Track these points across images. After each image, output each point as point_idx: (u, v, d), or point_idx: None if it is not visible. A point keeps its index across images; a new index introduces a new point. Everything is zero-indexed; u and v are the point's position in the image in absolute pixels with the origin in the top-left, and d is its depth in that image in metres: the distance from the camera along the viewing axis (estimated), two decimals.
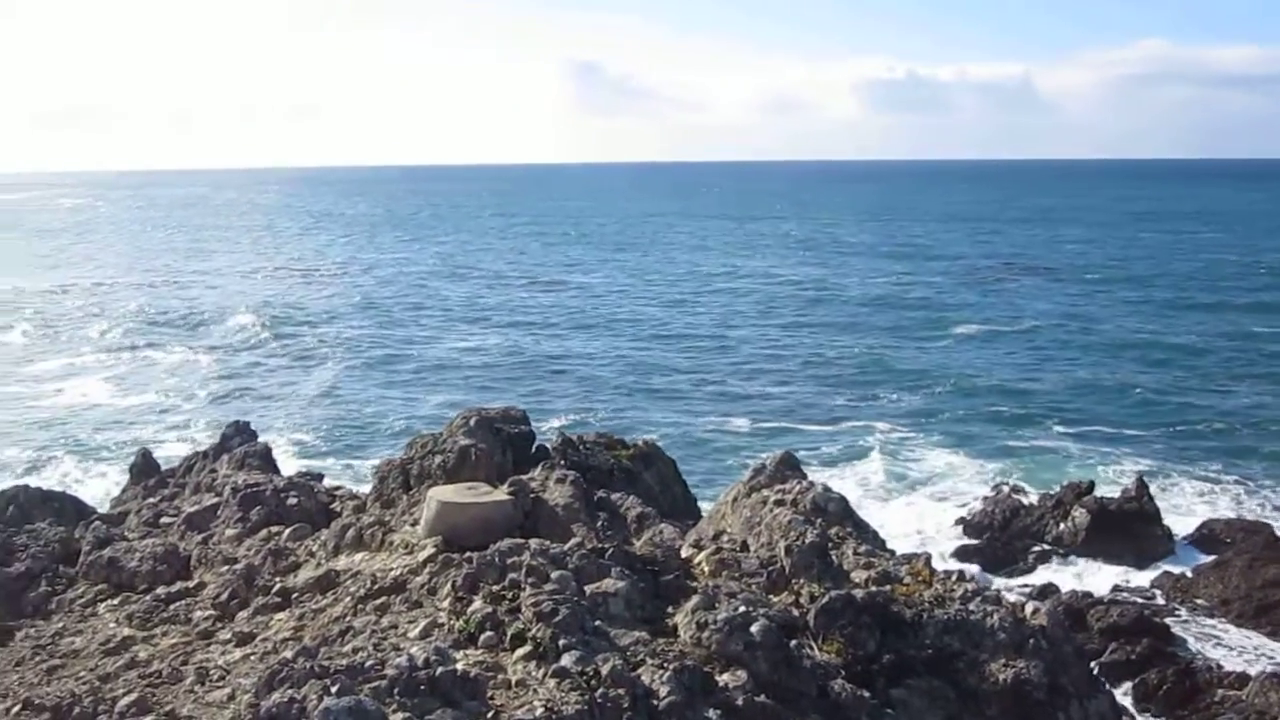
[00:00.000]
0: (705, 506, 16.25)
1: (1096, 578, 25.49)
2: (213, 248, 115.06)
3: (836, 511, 12.11)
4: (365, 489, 24.62)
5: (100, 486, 29.65)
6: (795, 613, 10.08)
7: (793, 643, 9.21)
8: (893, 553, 12.34)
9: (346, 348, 52.70)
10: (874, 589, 10.58)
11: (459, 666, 8.87)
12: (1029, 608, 11.04)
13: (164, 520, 17.06)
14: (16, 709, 10.82)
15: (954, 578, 11.38)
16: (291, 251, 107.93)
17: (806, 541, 10.84)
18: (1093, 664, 16.51)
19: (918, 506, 29.88)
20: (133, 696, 10.58)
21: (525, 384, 45.02)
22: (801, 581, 10.65)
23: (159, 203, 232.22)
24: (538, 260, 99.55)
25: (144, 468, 20.64)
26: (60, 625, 14.98)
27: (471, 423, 14.08)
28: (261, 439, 19.52)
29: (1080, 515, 27.24)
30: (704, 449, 34.86)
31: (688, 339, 55.80)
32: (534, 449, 14.60)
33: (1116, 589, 24.81)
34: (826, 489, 12.20)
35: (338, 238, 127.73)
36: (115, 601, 15.08)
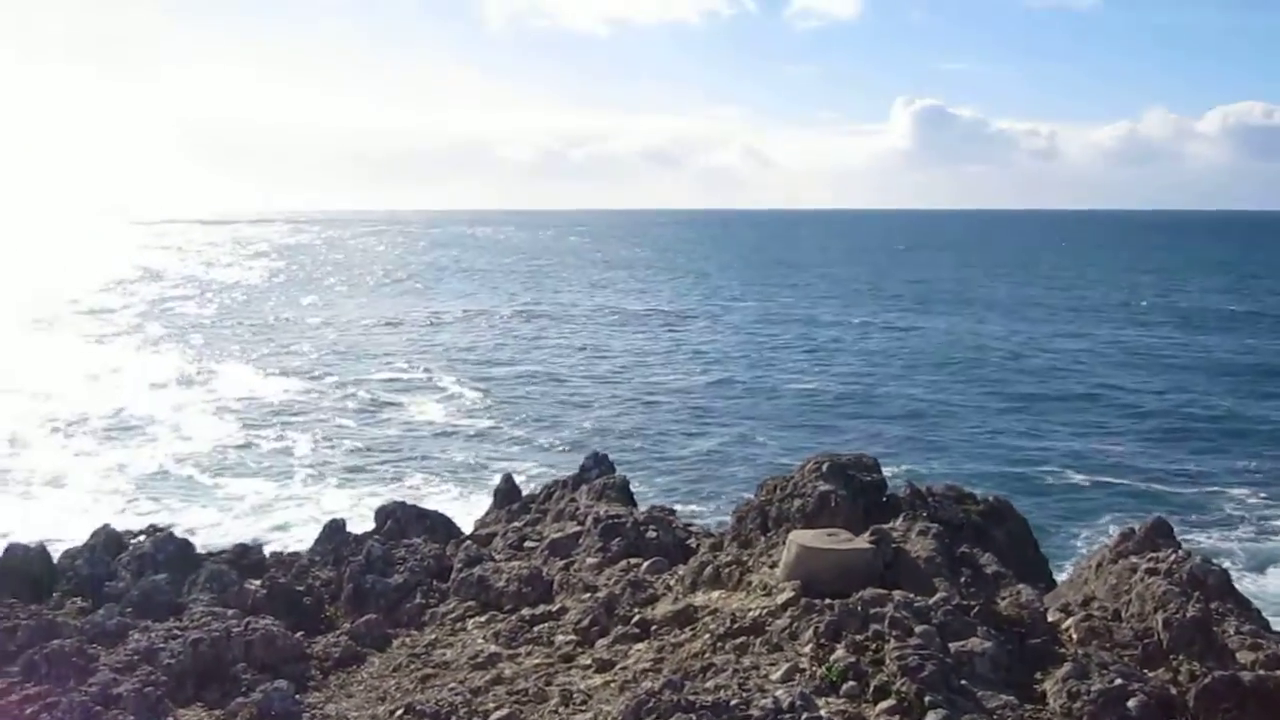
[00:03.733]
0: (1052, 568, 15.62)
1: None
2: (555, 286, 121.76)
3: (1216, 585, 11.36)
4: (708, 523, 25.46)
5: (446, 503, 32.28)
6: (1173, 691, 9.58)
7: None
8: None
9: (684, 388, 54.37)
10: (1263, 673, 9.87)
11: (822, 714, 9.07)
12: None
13: (528, 544, 18.22)
14: (400, 713, 11.78)
15: None
16: (661, 295, 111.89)
17: (1187, 615, 10.28)
18: None
19: None
20: (503, 712, 11.26)
21: (863, 426, 44.88)
22: (1180, 658, 10.11)
23: (516, 242, 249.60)
24: (872, 305, 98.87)
25: (508, 492, 22.16)
26: (433, 637, 16.29)
27: (824, 468, 14.25)
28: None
29: None
30: (1042, 504, 33.33)
31: (1030, 389, 53.55)
32: (884, 497, 14.58)
33: None
34: (1206, 560, 11.49)
35: (697, 283, 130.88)
36: (483, 619, 16.19)
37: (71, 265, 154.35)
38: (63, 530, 31.38)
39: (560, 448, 41.44)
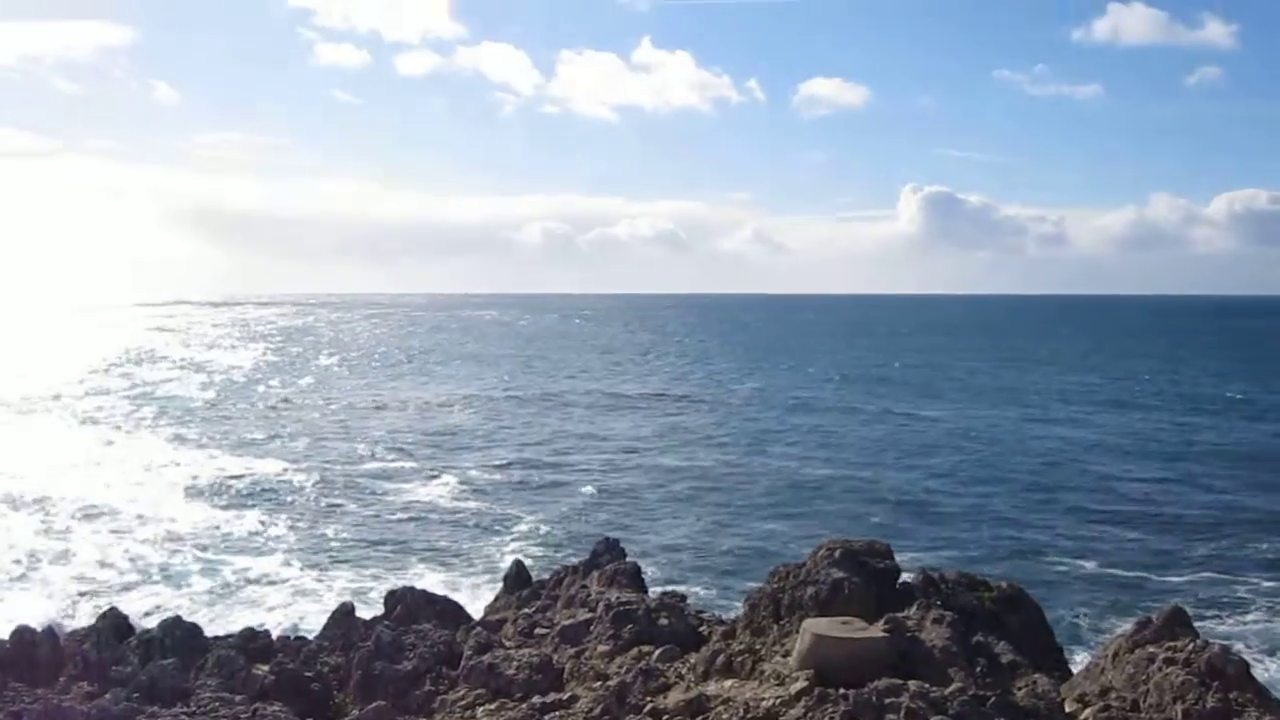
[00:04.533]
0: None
1: None
2: (557, 369, 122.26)
3: (1236, 675, 11.26)
4: (720, 610, 25.23)
5: (454, 588, 32.07)
6: None
7: None
8: None
9: (690, 472, 54.31)
10: None
11: None
12: None
13: (538, 631, 18.10)
14: None
15: None
16: (665, 377, 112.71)
17: (1207, 706, 10.20)
18: None
19: None
20: None
21: (871, 511, 44.73)
22: None
23: (519, 327, 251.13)
24: (879, 389, 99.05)
25: (518, 578, 22.09)
26: None
27: (837, 554, 14.23)
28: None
29: None
30: (1054, 592, 33.05)
31: (1038, 476, 53.40)
32: (898, 584, 14.53)
33: None
34: (1226, 650, 11.41)
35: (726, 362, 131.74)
36: (493, 706, 16.03)
37: (74, 349, 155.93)
38: (68, 613, 31.24)
39: (569, 532, 41.27)
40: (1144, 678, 11.40)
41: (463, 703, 16.94)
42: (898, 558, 15.96)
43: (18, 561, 36.59)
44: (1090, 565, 36.76)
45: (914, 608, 12.67)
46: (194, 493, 48.28)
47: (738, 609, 27.52)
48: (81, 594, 33.28)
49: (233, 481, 51.16)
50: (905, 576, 15.25)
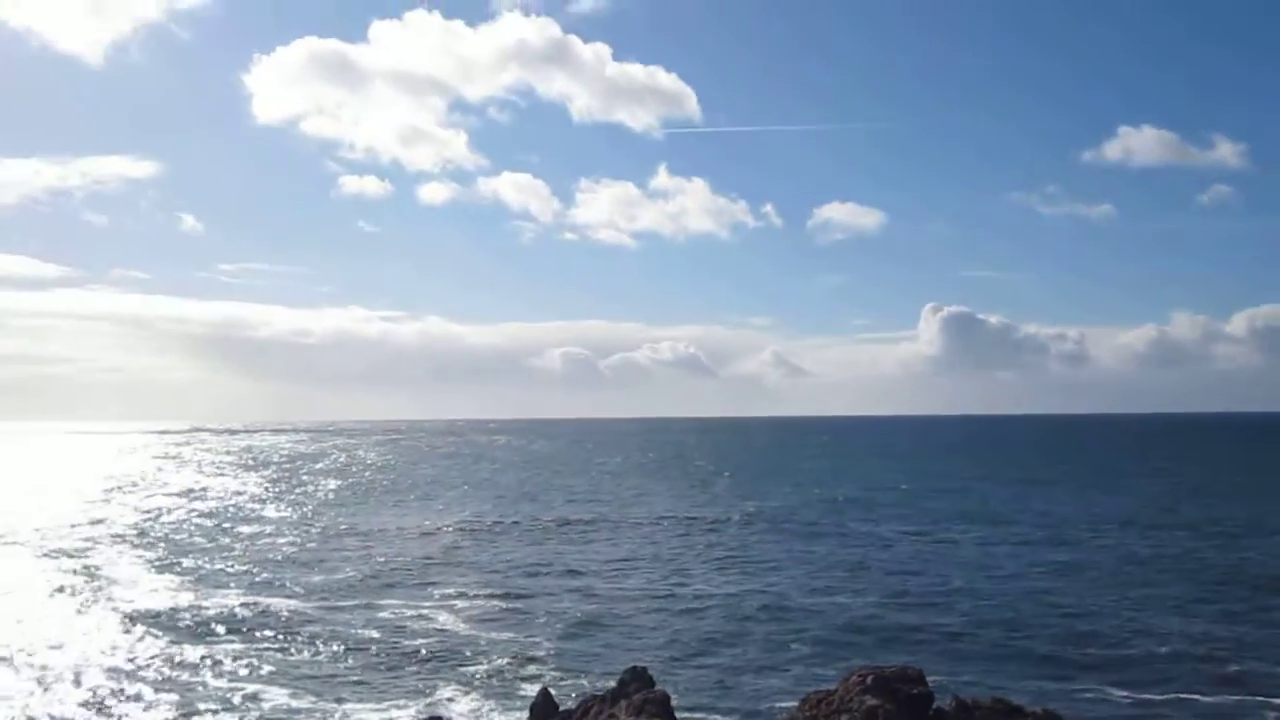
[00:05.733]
0: None
1: None
2: (571, 495, 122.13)
3: None
4: None
5: (479, 717, 31.67)
6: None
7: None
8: None
9: (713, 598, 53.87)
10: None
11: None
12: None
13: None
14: None
15: None
16: (690, 501, 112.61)
17: None
18: None
19: None
20: None
21: (898, 637, 44.13)
22: None
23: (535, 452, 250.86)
24: (900, 512, 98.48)
25: (544, 707, 21.91)
26: None
27: (869, 681, 14.19)
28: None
29: None
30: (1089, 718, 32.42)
31: (1063, 600, 52.67)
32: (931, 711, 14.44)
33: None
34: None
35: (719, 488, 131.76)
36: None
37: (76, 477, 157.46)
38: None
39: (593, 659, 40.75)
40: None
41: None
42: (931, 682, 15.85)
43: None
44: (1123, 692, 36.07)
45: None
46: (193, 624, 47.96)
47: None
48: None
49: (233, 610, 50.94)
50: (938, 703, 15.14)
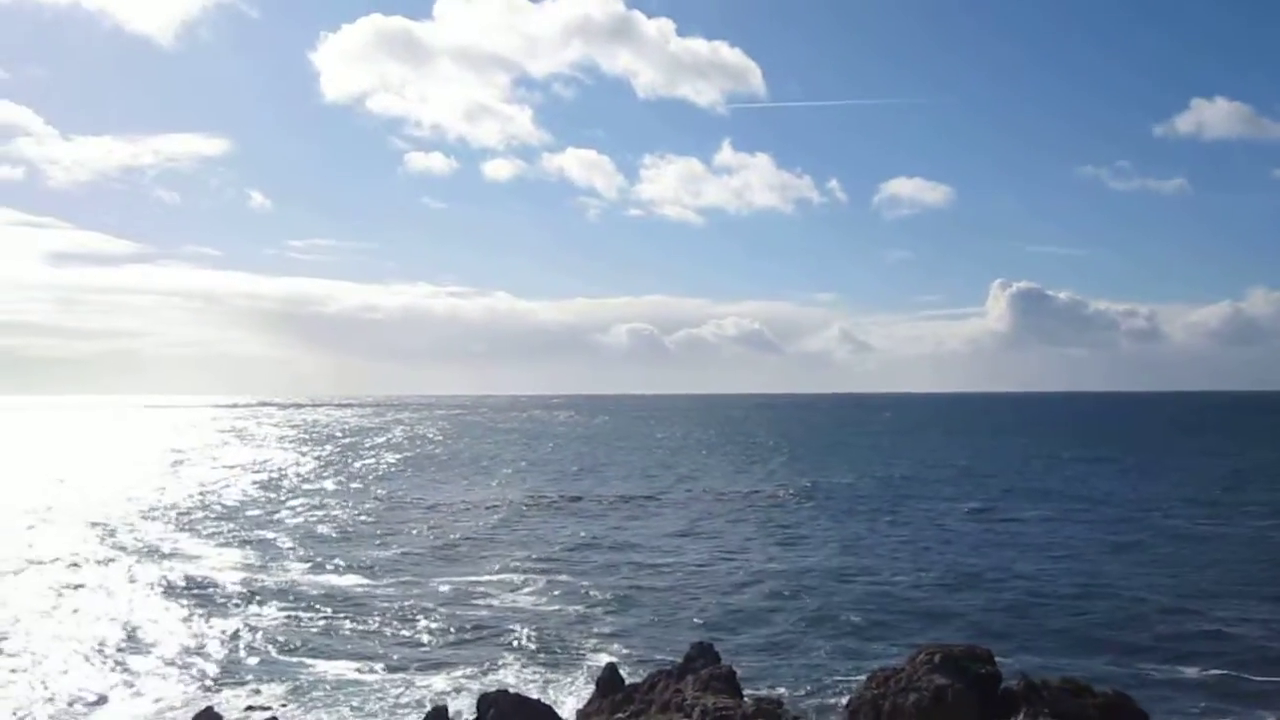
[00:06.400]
0: None
1: None
2: (657, 474, 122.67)
3: None
4: (816, 715, 24.86)
5: (545, 690, 32.04)
6: None
7: None
8: None
9: (776, 572, 53.92)
10: None
11: None
12: None
13: None
14: None
15: None
16: (754, 476, 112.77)
17: None
18: None
19: None
20: None
21: (963, 614, 43.92)
22: None
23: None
24: (966, 488, 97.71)
25: (610, 681, 22.16)
26: None
27: (937, 659, 14.20)
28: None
29: None
30: (1161, 699, 31.99)
31: (1138, 578, 51.99)
32: (1000, 690, 14.41)
33: None
34: None
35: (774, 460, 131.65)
36: None
37: (136, 451, 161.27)
38: (154, 709, 31.91)
39: (659, 634, 40.98)
40: None
41: None
42: (1007, 660, 15.82)
43: (95, 660, 37.44)
44: (1192, 670, 35.58)
45: (1021, 715, 12.60)
46: (255, 596, 48.86)
47: (834, 713, 27.20)
48: (171, 692, 33.89)
49: (293, 582, 51.95)
50: (1006, 683, 15.12)
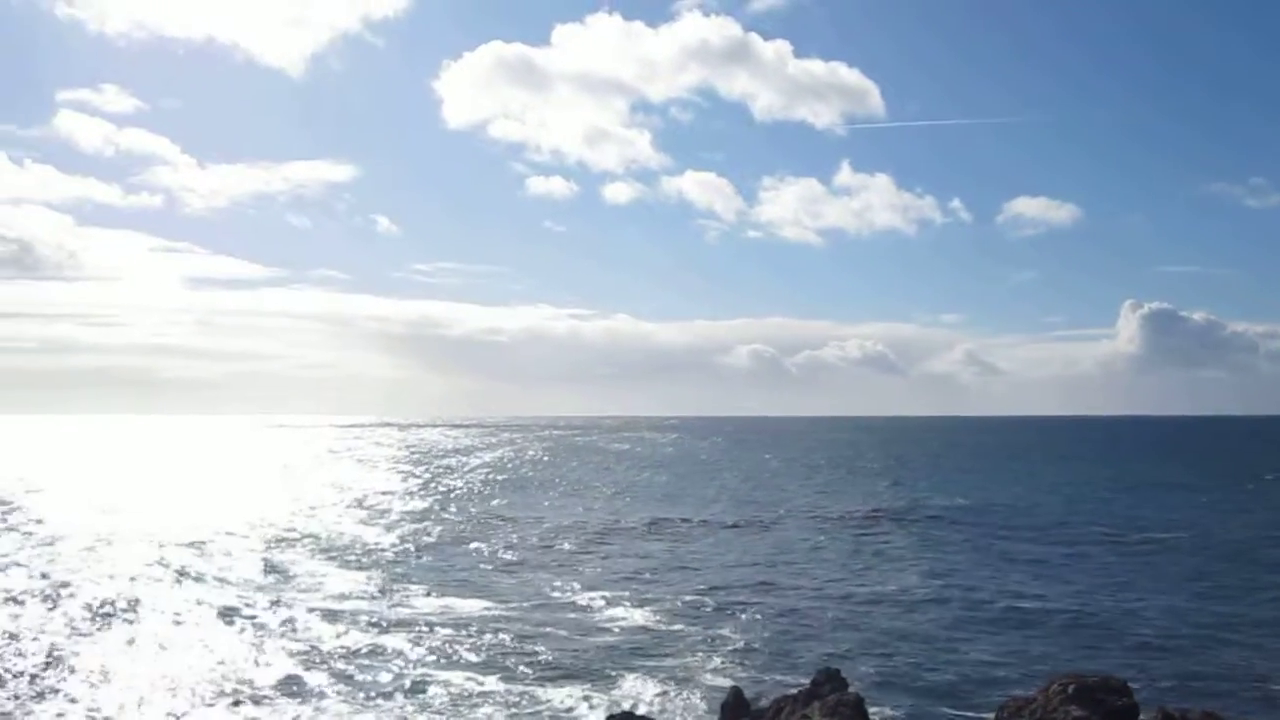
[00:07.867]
0: None
1: None
2: (772, 497, 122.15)
3: None
4: None
5: (669, 713, 32.27)
6: None
7: None
8: None
9: (904, 597, 53.34)
10: None
11: None
12: None
13: None
14: None
15: None
16: (879, 498, 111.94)
17: None
18: None
19: None
20: None
21: (1098, 646, 42.74)
22: None
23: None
24: (1101, 514, 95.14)
25: (735, 706, 22.33)
26: None
27: (1071, 690, 14.08)
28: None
29: None
30: None
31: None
32: None
33: None
34: None
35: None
36: None
37: (236, 466, 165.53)
38: None
39: (783, 659, 40.81)
40: None
41: None
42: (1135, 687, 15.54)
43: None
44: None
45: None
46: (359, 615, 49.60)
47: None
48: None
49: (405, 600, 52.79)
50: (1143, 716, 14.87)
